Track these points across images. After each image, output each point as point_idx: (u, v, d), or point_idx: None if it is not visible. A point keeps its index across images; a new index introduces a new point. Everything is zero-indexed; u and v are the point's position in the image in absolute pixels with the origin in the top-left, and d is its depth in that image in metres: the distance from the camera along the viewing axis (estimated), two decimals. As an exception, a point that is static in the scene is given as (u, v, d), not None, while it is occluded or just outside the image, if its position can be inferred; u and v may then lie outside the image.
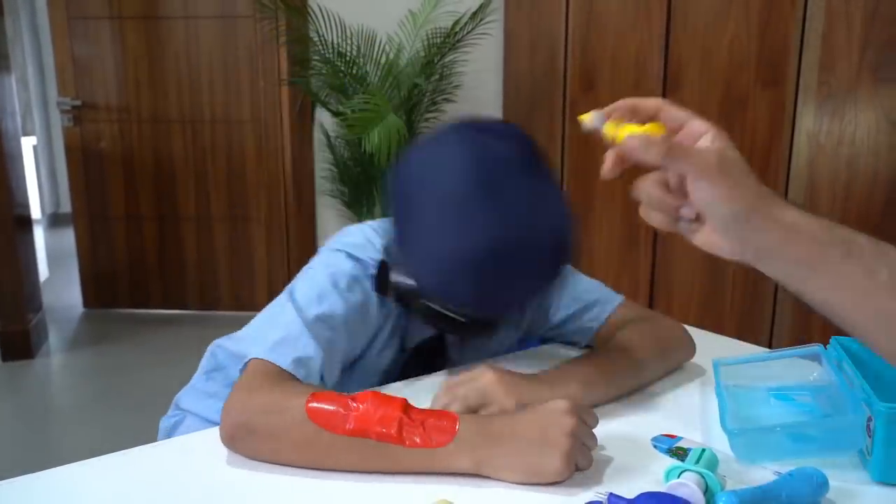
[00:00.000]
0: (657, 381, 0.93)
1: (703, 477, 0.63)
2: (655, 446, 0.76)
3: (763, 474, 0.69)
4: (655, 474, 0.69)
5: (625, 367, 0.89)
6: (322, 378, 0.81)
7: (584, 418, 0.70)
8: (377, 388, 0.87)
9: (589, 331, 1.02)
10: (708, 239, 0.55)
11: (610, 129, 0.57)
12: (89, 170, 3.34)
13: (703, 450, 0.69)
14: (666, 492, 0.60)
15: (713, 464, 0.67)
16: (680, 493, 0.60)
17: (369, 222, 0.97)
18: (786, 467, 0.69)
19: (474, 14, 2.82)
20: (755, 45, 1.84)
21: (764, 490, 0.62)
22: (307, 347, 0.79)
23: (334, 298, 0.84)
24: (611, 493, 0.61)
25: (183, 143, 3.29)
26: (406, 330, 0.94)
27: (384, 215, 0.93)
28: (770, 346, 1.12)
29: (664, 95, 2.21)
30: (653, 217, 0.57)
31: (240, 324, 1.09)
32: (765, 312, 1.87)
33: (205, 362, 1.10)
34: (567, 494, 0.65)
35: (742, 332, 1.94)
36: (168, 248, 3.38)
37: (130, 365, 2.81)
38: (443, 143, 0.81)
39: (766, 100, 1.81)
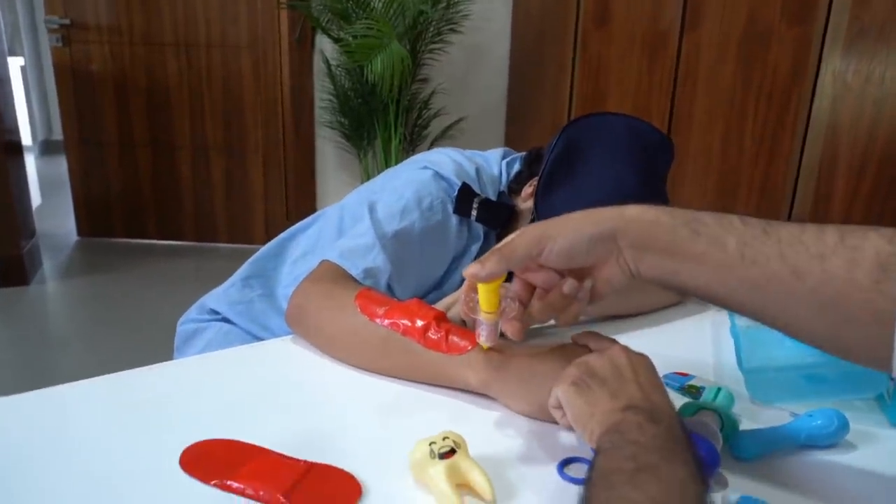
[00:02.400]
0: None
1: (718, 415, 0.60)
2: (667, 384, 0.73)
3: (779, 415, 0.67)
4: (668, 411, 0.66)
5: None
6: (389, 289, 0.84)
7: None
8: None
9: None
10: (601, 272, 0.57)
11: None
12: (80, 93, 3.22)
13: (719, 388, 0.66)
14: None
15: (729, 402, 0.65)
16: (698, 430, 0.57)
17: (452, 149, 0.98)
18: (800, 409, 0.66)
19: (485, -63, 2.66)
20: (783, -23, 1.74)
21: (784, 429, 0.60)
22: (377, 259, 0.83)
23: (415, 216, 0.87)
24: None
25: (178, 67, 3.17)
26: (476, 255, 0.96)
27: (386, 149, 0.95)
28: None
29: (682, 32, 2.11)
30: (567, 314, 0.59)
31: (237, 257, 1.06)
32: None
33: (243, 271, 1.09)
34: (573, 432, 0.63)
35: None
36: (163, 177, 3.30)
37: (126, 294, 2.79)
38: (612, 115, 0.94)
39: (791, 37, 1.72)
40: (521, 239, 0.56)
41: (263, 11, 3.04)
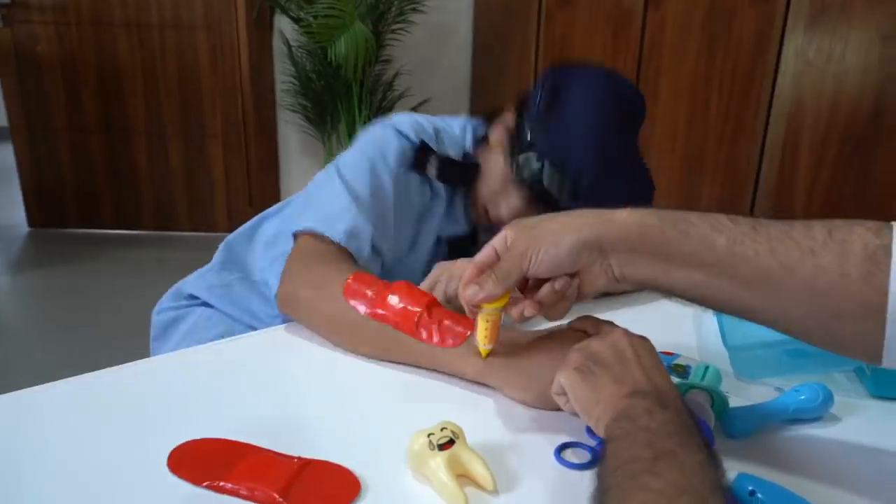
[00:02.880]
0: None
1: (709, 394, 0.61)
2: (653, 363, 0.74)
3: (765, 390, 0.68)
4: (658, 391, 0.67)
5: None
6: (375, 250, 0.84)
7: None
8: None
9: None
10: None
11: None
12: (25, 77, 3.07)
13: (707, 367, 0.67)
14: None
15: (717, 380, 0.65)
16: (690, 409, 0.57)
17: (414, 114, 0.98)
18: (784, 384, 0.68)
19: (447, -87, 2.62)
20: (746, -45, 1.76)
21: (772, 405, 0.61)
22: (357, 219, 0.82)
23: (382, 171, 0.87)
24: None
25: (129, 48, 3.05)
26: (445, 221, 0.96)
27: (350, 132, 0.95)
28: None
29: (645, 10, 2.12)
30: (555, 310, 0.61)
31: (200, 245, 1.03)
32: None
33: (219, 256, 1.07)
34: (569, 414, 0.63)
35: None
36: (118, 163, 3.19)
37: (83, 286, 2.69)
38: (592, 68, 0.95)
39: (753, 15, 1.74)
40: (510, 258, 0.57)
41: (218, -10, 2.94)
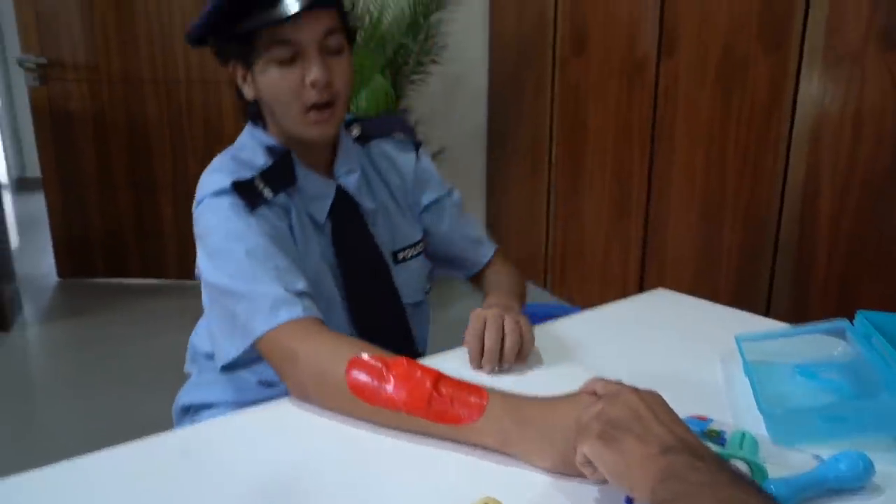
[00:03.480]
0: None
1: (749, 465, 0.61)
2: (687, 428, 0.74)
3: (802, 458, 0.68)
4: (694, 459, 0.67)
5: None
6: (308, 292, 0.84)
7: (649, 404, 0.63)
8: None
9: (476, 265, 1.17)
10: None
11: None
12: (58, 132, 3.18)
13: (743, 434, 0.67)
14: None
15: (754, 449, 0.65)
16: (730, 483, 0.57)
17: (207, 171, 0.96)
18: (820, 449, 0.67)
19: (463, -30, 2.71)
20: (757, 7, 1.79)
21: (812, 476, 0.61)
22: (278, 285, 0.81)
23: (246, 232, 0.86)
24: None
25: (157, 104, 3.15)
26: (313, 207, 0.96)
27: None
28: (766, 316, 1.11)
29: (659, 59, 2.16)
30: None
31: None
32: (761, 281, 1.87)
33: (192, 358, 1.08)
34: (608, 485, 0.63)
35: (737, 302, 1.94)
36: (145, 214, 3.26)
37: (110, 336, 2.73)
38: None
39: (767, 63, 1.77)
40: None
41: (243, 47, 3.05)
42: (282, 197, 0.93)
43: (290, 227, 0.94)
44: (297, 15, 0.84)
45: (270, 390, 0.97)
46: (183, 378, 1.11)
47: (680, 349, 0.97)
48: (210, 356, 1.04)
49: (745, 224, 1.89)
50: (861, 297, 1.58)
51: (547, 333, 1.02)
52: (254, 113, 0.99)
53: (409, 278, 1.07)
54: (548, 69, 2.76)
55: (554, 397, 0.68)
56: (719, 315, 1.11)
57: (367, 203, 1.02)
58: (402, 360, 0.73)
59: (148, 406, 2.11)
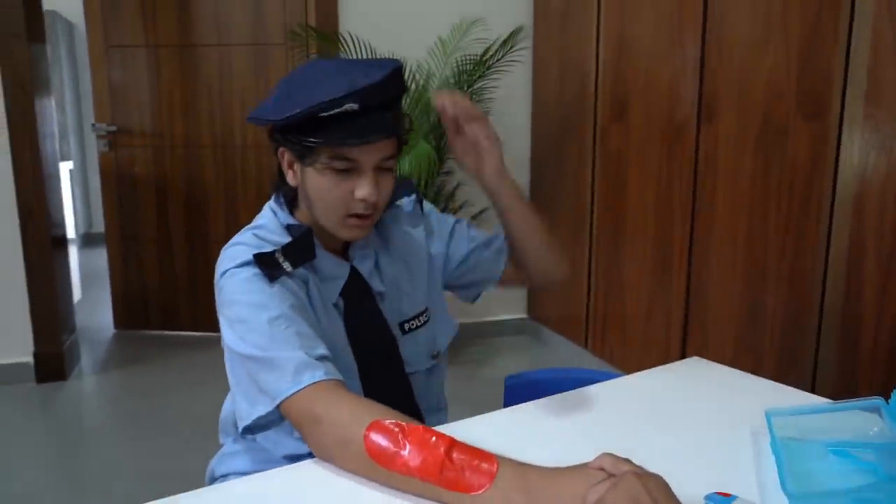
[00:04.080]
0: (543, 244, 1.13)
1: (767, 546, 0.60)
2: (710, 505, 0.73)
3: (828, 542, 0.66)
4: (713, 539, 0.65)
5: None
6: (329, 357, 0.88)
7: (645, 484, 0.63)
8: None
9: (502, 251, 1.16)
10: None
11: None
12: (122, 193, 3.39)
13: (765, 514, 0.65)
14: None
15: (776, 530, 0.64)
16: (745, 566, 0.56)
17: (229, 245, 1.00)
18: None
19: (505, 41, 2.83)
20: (795, 75, 1.81)
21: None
22: (299, 350, 0.85)
23: (271, 301, 0.89)
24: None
25: (214, 167, 3.34)
26: (327, 288, 1.00)
27: None
28: (812, 391, 1.08)
29: (699, 126, 2.18)
30: None
31: None
32: (807, 353, 1.81)
33: (223, 429, 1.12)
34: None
35: (781, 374, 1.88)
36: (198, 270, 3.41)
37: (162, 387, 2.82)
38: None
39: (807, 132, 1.77)
40: None
41: (296, 114, 3.22)
42: (300, 271, 0.97)
43: (310, 299, 0.98)
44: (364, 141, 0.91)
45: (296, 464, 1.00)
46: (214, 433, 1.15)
47: (710, 421, 0.95)
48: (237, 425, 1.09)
49: (790, 291, 1.85)
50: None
51: (580, 398, 1.02)
52: (286, 193, 1.04)
53: (416, 347, 1.10)
54: (589, 134, 2.81)
55: (561, 469, 0.68)
56: (754, 387, 1.09)
57: (376, 285, 1.06)
58: (419, 427, 0.75)
59: (192, 457, 2.16)
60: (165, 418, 2.52)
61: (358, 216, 0.96)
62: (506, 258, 1.17)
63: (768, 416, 0.86)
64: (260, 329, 0.87)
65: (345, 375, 0.94)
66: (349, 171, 0.93)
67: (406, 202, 1.14)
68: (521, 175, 3.30)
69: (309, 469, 0.82)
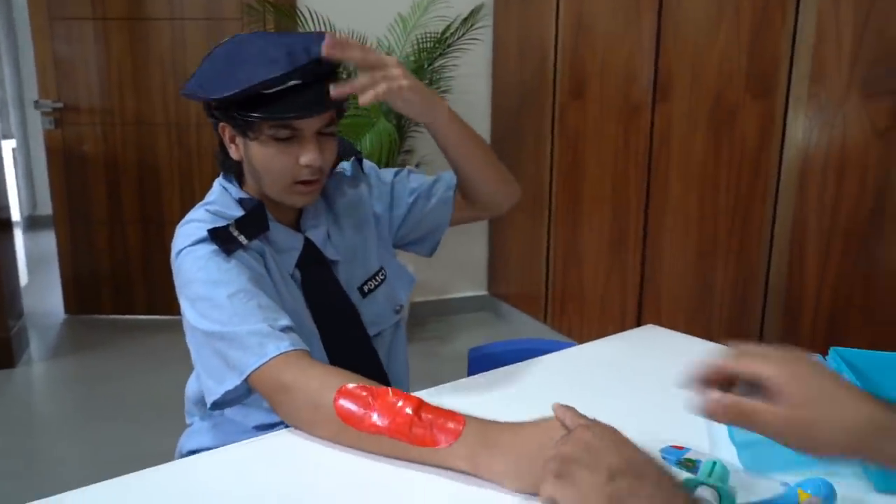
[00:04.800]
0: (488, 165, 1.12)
1: (717, 491, 0.64)
2: (665, 458, 0.77)
3: (770, 485, 0.71)
4: (668, 486, 0.70)
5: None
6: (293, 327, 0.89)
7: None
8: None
9: (447, 199, 1.14)
10: None
11: None
12: (71, 173, 3.28)
13: (714, 462, 0.70)
14: (684, 506, 0.61)
15: (725, 476, 0.68)
16: (697, 506, 0.61)
17: (183, 223, 1.00)
18: (788, 477, 0.70)
19: (465, 20, 2.83)
20: (745, 57, 1.87)
21: (777, 501, 0.64)
22: (261, 321, 0.86)
23: (230, 277, 0.90)
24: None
25: (168, 145, 3.26)
26: (282, 260, 1.01)
27: None
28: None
29: (654, 104, 2.24)
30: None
31: None
32: (753, 321, 1.90)
33: (189, 409, 1.13)
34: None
35: (730, 339, 1.97)
36: (153, 252, 3.33)
37: (116, 373, 2.77)
38: None
39: (755, 110, 1.84)
40: None
41: (252, 91, 3.16)
42: (256, 243, 0.98)
43: (268, 272, 0.99)
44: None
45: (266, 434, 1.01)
46: (183, 413, 1.15)
47: (664, 383, 0.99)
48: (204, 402, 1.09)
49: (738, 264, 1.94)
50: (848, 335, 1.61)
51: (539, 367, 1.06)
52: (232, 169, 1.04)
53: (377, 307, 1.12)
54: (548, 112, 2.85)
55: (523, 422, 0.72)
56: (705, 350, 1.13)
57: (330, 254, 1.07)
58: (387, 390, 0.77)
59: (151, 441, 2.13)
60: (122, 404, 2.47)
61: (305, 182, 0.97)
62: (453, 197, 1.15)
63: (718, 375, 0.91)
64: (221, 305, 0.88)
65: (308, 345, 0.96)
66: (292, 138, 0.95)
67: (346, 166, 1.15)
68: (481, 154, 3.33)
69: (276, 439, 0.83)
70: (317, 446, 0.80)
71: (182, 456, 1.11)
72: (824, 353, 0.91)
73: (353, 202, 1.13)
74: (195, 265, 0.92)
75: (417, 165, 3.14)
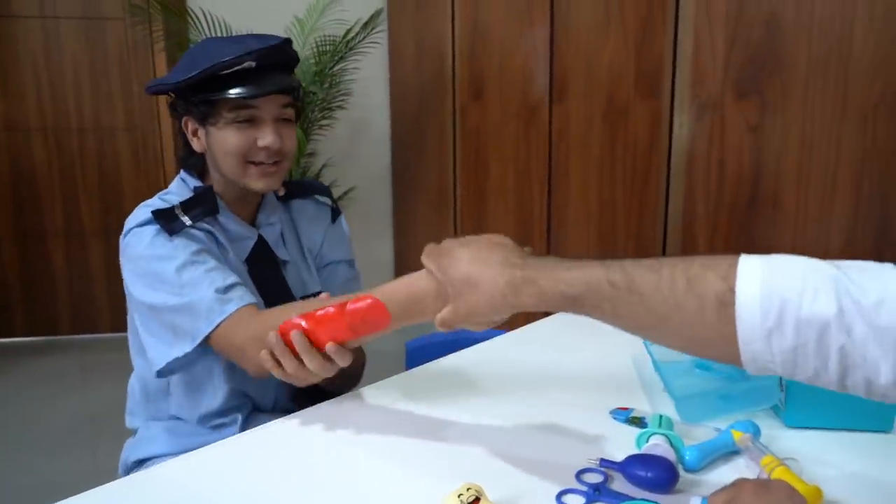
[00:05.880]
0: None
1: (668, 438, 0.75)
2: (614, 418, 0.87)
3: (706, 431, 0.83)
4: (625, 440, 0.80)
5: None
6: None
7: None
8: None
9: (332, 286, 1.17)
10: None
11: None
12: (-72, 185, 2.96)
13: (661, 416, 0.81)
14: (647, 453, 0.71)
15: (671, 426, 0.79)
16: (658, 452, 0.71)
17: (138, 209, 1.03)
18: (719, 422, 0.83)
19: (366, 24, 2.86)
20: (633, 60, 2.07)
21: (717, 441, 0.76)
22: (211, 290, 0.92)
23: (176, 252, 0.95)
24: (602, 459, 0.71)
25: (46, 152, 3.02)
26: (231, 248, 1.04)
27: None
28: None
29: (550, 105, 2.40)
30: None
31: (123, 346, 1.11)
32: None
33: (131, 410, 1.12)
34: (562, 463, 0.74)
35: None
36: (33, 268, 3.08)
37: (4, 398, 2.54)
38: None
39: (645, 110, 2.04)
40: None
41: (140, 94, 3.01)
42: (203, 225, 1.01)
43: (222, 252, 1.02)
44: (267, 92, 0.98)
45: (216, 433, 1.02)
46: (78, 440, 1.11)
47: (597, 356, 1.11)
48: (149, 396, 1.08)
49: (637, 246, 2.13)
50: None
51: (477, 355, 1.13)
52: (194, 164, 1.06)
53: None
54: (448, 114, 2.94)
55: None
56: (625, 326, 1.27)
57: (282, 254, 1.11)
58: (316, 310, 0.80)
59: (57, 466, 1.99)
60: (16, 432, 2.28)
61: (263, 164, 1.01)
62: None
63: (646, 344, 1.03)
64: (170, 278, 0.94)
65: None
66: (251, 121, 1.00)
67: (323, 203, 1.20)
68: (382, 155, 3.37)
69: (237, 445, 0.84)
70: (281, 454, 0.82)
71: (128, 467, 1.07)
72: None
73: (311, 228, 1.17)
74: (141, 244, 0.96)
75: (323, 167, 3.13)
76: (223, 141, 1.00)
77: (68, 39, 2.96)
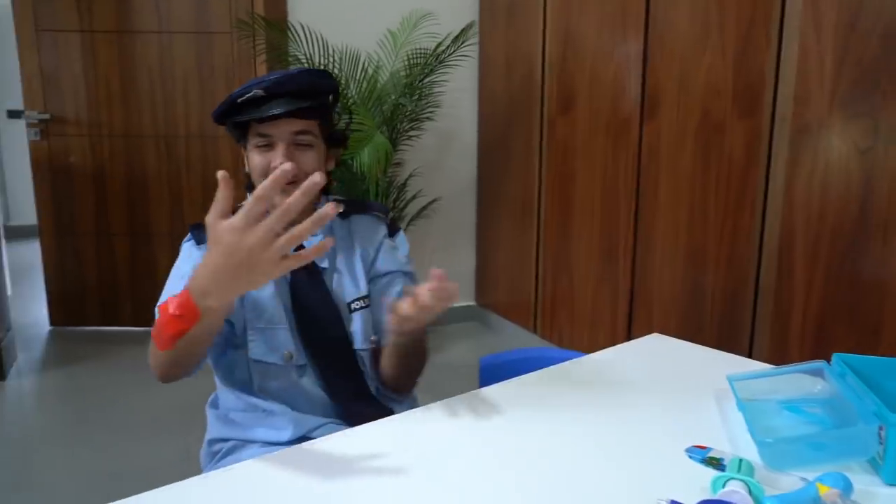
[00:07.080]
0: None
1: (747, 484, 0.70)
2: (690, 457, 0.83)
3: (791, 480, 0.77)
4: (699, 481, 0.76)
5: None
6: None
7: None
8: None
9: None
10: None
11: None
12: (57, 184, 3.25)
13: (741, 460, 0.76)
14: (722, 499, 0.67)
15: (751, 471, 0.75)
16: (734, 500, 0.67)
17: None
18: (806, 472, 0.77)
19: (457, 37, 2.89)
20: (731, 76, 1.97)
21: (801, 494, 0.70)
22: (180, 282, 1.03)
23: (188, 263, 1.12)
24: (672, 500, 0.68)
25: (156, 158, 3.25)
26: None
27: None
28: (749, 357, 1.23)
29: (642, 120, 2.33)
30: None
31: None
32: (743, 328, 1.99)
33: (213, 414, 1.23)
34: (629, 500, 0.72)
35: (721, 344, 2.05)
36: (140, 264, 3.32)
37: (103, 385, 2.75)
38: None
39: (742, 128, 1.94)
40: None
41: (243, 103, 3.18)
42: None
43: None
44: (274, 117, 1.10)
45: (254, 414, 1.15)
46: (175, 424, 1.24)
47: (677, 389, 1.06)
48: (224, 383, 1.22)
49: (728, 272, 2.03)
50: (834, 339, 1.70)
51: (553, 377, 1.11)
52: (248, 185, 1.20)
53: (362, 325, 1.21)
54: (536, 126, 2.92)
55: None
56: (709, 357, 1.21)
57: (322, 263, 1.20)
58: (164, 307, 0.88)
59: (150, 453, 2.14)
60: (116, 417, 2.47)
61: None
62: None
63: (730, 380, 0.98)
64: (169, 285, 1.12)
65: (272, 330, 1.12)
66: (268, 146, 1.13)
67: (380, 219, 1.28)
68: (469, 164, 3.39)
69: (305, 452, 0.87)
70: (330, 469, 0.84)
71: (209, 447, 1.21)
72: (816, 356, 0.98)
73: (372, 235, 1.25)
74: (177, 260, 1.17)
75: (409, 177, 3.19)
76: (251, 162, 1.16)
77: (180, 52, 3.18)
